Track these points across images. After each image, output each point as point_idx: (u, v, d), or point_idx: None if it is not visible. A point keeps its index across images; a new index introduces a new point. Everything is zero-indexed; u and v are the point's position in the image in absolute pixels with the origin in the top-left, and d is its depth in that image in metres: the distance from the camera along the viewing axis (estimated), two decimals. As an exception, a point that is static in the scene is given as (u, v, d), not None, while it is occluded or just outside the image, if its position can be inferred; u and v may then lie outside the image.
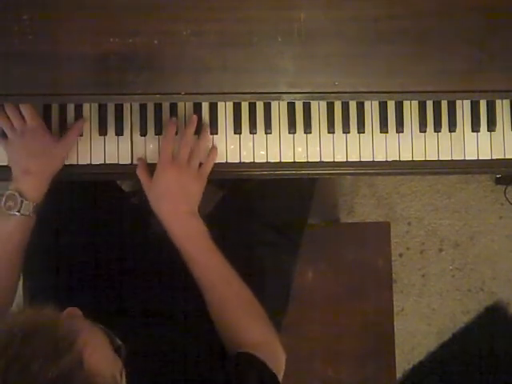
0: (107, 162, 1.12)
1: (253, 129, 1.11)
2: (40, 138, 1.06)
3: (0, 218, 1.04)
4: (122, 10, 0.96)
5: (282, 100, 1.05)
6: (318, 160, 1.12)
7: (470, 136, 1.12)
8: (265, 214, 1.24)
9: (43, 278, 1.16)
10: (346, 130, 1.12)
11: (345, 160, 1.12)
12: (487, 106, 1.12)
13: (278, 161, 1.12)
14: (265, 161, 1.12)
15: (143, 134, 1.12)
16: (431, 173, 1.16)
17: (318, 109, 1.12)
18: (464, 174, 1.18)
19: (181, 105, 1.12)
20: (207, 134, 1.11)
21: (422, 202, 1.94)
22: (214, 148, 1.10)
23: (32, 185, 1.04)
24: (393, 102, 1.12)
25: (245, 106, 1.12)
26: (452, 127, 1.12)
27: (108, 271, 1.15)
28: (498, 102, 1.12)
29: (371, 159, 1.12)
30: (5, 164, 1.09)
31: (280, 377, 0.99)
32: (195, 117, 1.09)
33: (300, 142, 1.12)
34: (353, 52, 0.98)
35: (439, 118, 1.12)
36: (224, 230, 1.17)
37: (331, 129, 1.12)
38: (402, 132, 1.12)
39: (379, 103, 1.12)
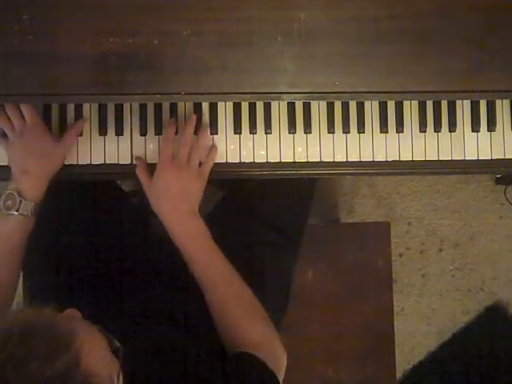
0: (107, 162, 1.12)
1: (253, 129, 1.11)
2: (40, 138, 1.06)
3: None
4: (122, 10, 0.96)
5: (282, 100, 1.05)
6: (318, 160, 1.12)
7: (470, 136, 1.12)
8: (265, 214, 1.24)
9: (43, 278, 1.16)
10: (346, 129, 1.12)
11: (345, 160, 1.12)
12: (487, 106, 1.12)
13: (278, 161, 1.12)
14: (265, 161, 1.12)
15: (143, 133, 1.12)
16: (431, 173, 1.16)
17: (318, 109, 1.12)
18: (464, 173, 1.18)
19: (181, 105, 1.12)
20: (206, 133, 1.11)
21: (422, 202, 1.94)
22: (213, 147, 1.10)
23: (31, 184, 1.04)
24: (393, 102, 1.12)
25: (245, 106, 1.12)
26: (452, 127, 1.12)
27: (108, 271, 1.15)
28: (498, 102, 1.12)
29: (371, 159, 1.12)
30: (5, 164, 1.09)
31: (280, 377, 0.98)
32: (194, 116, 1.09)
33: (300, 141, 1.12)
34: (353, 52, 0.98)
35: (439, 118, 1.12)
36: (224, 230, 1.17)
37: (331, 129, 1.12)
38: (402, 132, 1.12)
39: (379, 103, 1.12)
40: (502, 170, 1.15)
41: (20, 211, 1.02)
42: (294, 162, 1.12)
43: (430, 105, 1.12)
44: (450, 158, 1.12)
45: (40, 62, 0.97)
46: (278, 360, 0.99)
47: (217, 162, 1.11)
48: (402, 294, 1.92)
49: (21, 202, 1.02)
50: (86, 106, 1.11)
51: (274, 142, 1.12)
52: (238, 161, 1.12)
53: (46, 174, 1.06)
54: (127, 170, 1.12)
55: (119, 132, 1.12)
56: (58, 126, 1.11)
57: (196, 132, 1.10)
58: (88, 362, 0.67)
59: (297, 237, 1.28)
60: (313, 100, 1.09)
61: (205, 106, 1.12)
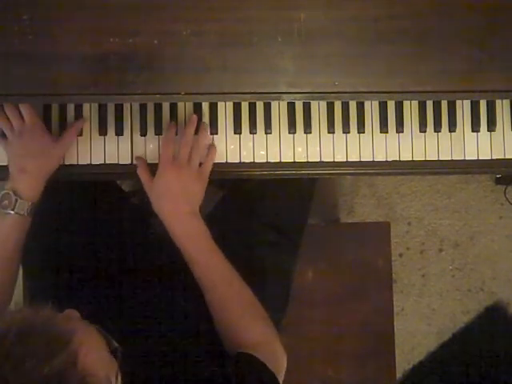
0: (107, 162, 1.12)
1: (253, 129, 1.11)
2: (38, 138, 1.06)
3: None
4: (122, 10, 0.96)
5: (282, 100, 1.05)
6: (318, 160, 1.12)
7: (470, 136, 1.12)
8: (265, 214, 1.24)
9: (43, 278, 1.16)
10: (346, 129, 1.12)
11: (345, 160, 1.12)
12: (487, 106, 1.12)
13: (278, 161, 1.12)
14: (265, 161, 1.12)
15: (143, 134, 1.12)
16: (431, 173, 1.16)
17: (318, 109, 1.12)
18: (464, 173, 1.18)
19: (181, 105, 1.12)
20: (207, 133, 1.11)
21: (422, 202, 1.94)
22: (212, 147, 1.10)
23: (28, 184, 1.04)
24: (393, 102, 1.12)
25: (245, 106, 1.12)
26: (452, 127, 1.12)
27: (108, 271, 1.15)
28: (498, 102, 1.12)
29: (371, 159, 1.12)
30: (5, 164, 1.09)
31: (280, 377, 0.98)
32: (195, 116, 1.09)
33: (300, 141, 1.12)
34: (353, 52, 0.98)
35: (439, 118, 1.12)
36: (224, 230, 1.17)
37: (331, 129, 1.12)
38: (402, 132, 1.12)
39: (379, 103, 1.12)
40: (502, 170, 1.15)
41: (16, 210, 1.03)
42: (294, 162, 1.12)
43: (430, 105, 1.12)
44: (449, 158, 1.12)
45: (40, 62, 0.97)
46: (278, 360, 0.99)
47: (217, 161, 1.11)
48: (402, 294, 1.92)
49: (16, 200, 1.02)
50: (86, 106, 1.11)
51: (273, 142, 1.12)
52: (238, 161, 1.12)
53: (44, 173, 1.06)
54: (127, 170, 1.12)
55: (119, 132, 1.11)
56: (58, 126, 1.11)
57: (196, 132, 1.10)
58: (85, 362, 0.67)
59: (297, 237, 1.28)
60: (313, 100, 1.09)
61: (205, 106, 1.12)
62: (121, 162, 1.12)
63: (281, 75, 0.98)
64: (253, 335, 1.01)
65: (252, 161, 1.12)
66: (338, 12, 0.97)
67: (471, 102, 1.12)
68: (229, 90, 0.99)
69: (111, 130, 1.11)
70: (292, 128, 1.11)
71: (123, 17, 0.97)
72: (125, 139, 1.12)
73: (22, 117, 1.06)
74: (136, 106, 1.11)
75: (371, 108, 1.12)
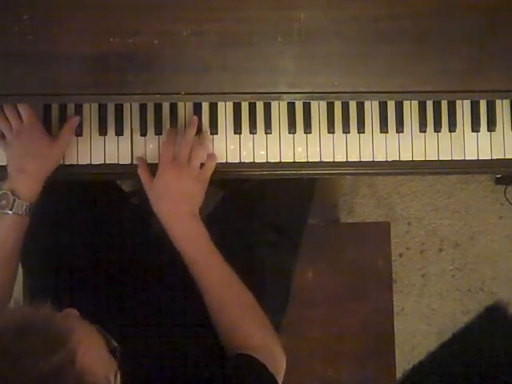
0: (107, 162, 1.12)
1: (253, 129, 1.11)
2: (37, 139, 1.06)
3: None
4: (122, 10, 0.96)
5: (282, 100, 1.05)
6: (318, 160, 1.12)
7: (470, 136, 1.12)
8: (265, 214, 1.24)
9: (43, 278, 1.16)
10: (346, 129, 1.12)
11: (345, 160, 1.12)
12: (487, 106, 1.12)
13: (278, 161, 1.12)
14: (265, 161, 1.12)
15: (143, 133, 1.12)
16: (431, 173, 1.16)
17: (318, 109, 1.12)
18: (464, 173, 1.18)
19: (181, 105, 1.12)
20: (207, 135, 1.11)
21: (422, 202, 1.94)
22: (212, 154, 1.10)
23: (26, 184, 1.04)
24: (393, 102, 1.12)
25: (245, 106, 1.12)
26: (452, 127, 1.12)
27: (108, 271, 1.15)
28: (498, 102, 1.12)
29: (371, 159, 1.12)
30: (3, 164, 1.09)
31: (280, 379, 0.98)
32: (196, 118, 1.09)
33: (300, 141, 1.12)
34: (353, 52, 0.98)
35: (439, 118, 1.12)
36: (224, 230, 1.17)
37: (331, 129, 1.12)
38: (402, 132, 1.12)
39: (379, 103, 1.12)
40: (502, 170, 1.15)
41: (14, 210, 1.02)
42: (294, 162, 1.12)
43: (430, 105, 1.12)
44: (449, 158, 1.12)
45: (40, 62, 0.97)
46: (277, 362, 0.99)
47: (217, 161, 1.11)
48: (402, 294, 1.92)
49: (14, 201, 1.02)
50: (86, 106, 1.11)
51: (274, 142, 1.12)
52: (238, 161, 1.12)
53: (42, 174, 1.06)
54: (127, 170, 1.12)
55: (119, 132, 1.11)
56: (58, 126, 1.11)
57: (196, 133, 1.10)
58: (84, 361, 0.67)
59: (297, 237, 1.28)
60: (313, 100, 1.09)
61: (205, 106, 1.12)
62: (121, 162, 1.12)
63: (281, 75, 0.98)
64: (252, 337, 1.01)
65: (252, 161, 1.12)
66: (338, 12, 0.97)
67: (471, 102, 1.12)
68: (229, 90, 0.99)
69: (111, 130, 1.11)
70: (292, 128, 1.11)
71: (123, 17, 0.97)
72: (125, 139, 1.12)
73: (20, 117, 1.06)
74: (136, 106, 1.11)
75: (371, 108, 1.12)
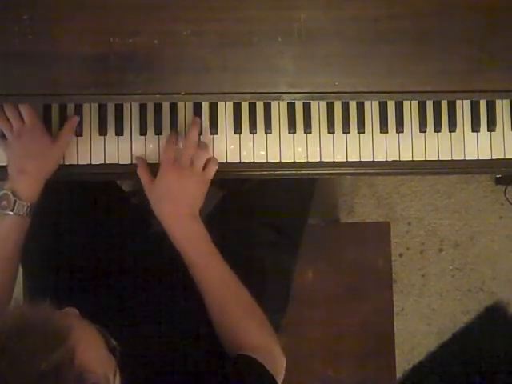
0: (107, 162, 1.12)
1: (253, 129, 1.11)
2: (37, 139, 1.06)
3: None
4: (122, 10, 0.96)
5: (282, 100, 1.05)
6: (318, 160, 1.12)
7: (470, 136, 1.12)
8: (265, 214, 1.24)
9: (43, 278, 1.16)
10: (346, 129, 1.12)
11: (345, 160, 1.12)
12: (487, 106, 1.12)
13: (278, 161, 1.12)
14: (265, 161, 1.12)
15: (143, 133, 1.12)
16: (431, 173, 1.16)
17: (318, 109, 1.12)
18: (464, 173, 1.18)
19: (181, 105, 1.12)
20: (207, 135, 1.11)
21: (422, 202, 1.94)
22: (214, 158, 1.10)
23: (27, 185, 1.04)
24: (393, 102, 1.12)
25: (245, 106, 1.12)
26: (452, 127, 1.12)
27: (108, 271, 1.15)
28: (498, 102, 1.12)
29: (371, 159, 1.12)
30: (5, 164, 1.09)
31: (279, 379, 0.98)
32: (198, 119, 1.09)
33: (300, 141, 1.12)
34: (353, 52, 0.98)
35: (439, 118, 1.12)
36: (224, 230, 1.17)
37: (331, 129, 1.12)
38: (402, 132, 1.12)
39: (379, 103, 1.12)
40: (502, 170, 1.15)
41: (15, 211, 1.02)
42: (294, 162, 1.12)
43: (430, 105, 1.12)
44: (449, 158, 1.12)
45: (40, 62, 0.97)
46: (276, 362, 0.99)
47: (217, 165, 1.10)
48: (402, 294, 1.92)
49: (15, 201, 1.02)
50: (86, 106, 1.11)
51: (274, 142, 1.12)
52: (237, 161, 1.12)
53: (43, 174, 1.06)
54: (127, 170, 1.12)
55: (119, 132, 1.11)
56: (58, 126, 1.11)
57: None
58: (83, 359, 0.67)
59: (297, 237, 1.28)
60: (313, 100, 1.09)
61: (205, 106, 1.12)
62: (121, 162, 1.12)
63: (281, 75, 0.98)
64: (252, 338, 1.01)
65: (252, 161, 1.12)
66: (338, 12, 0.97)
67: (471, 102, 1.12)
68: (229, 90, 0.99)
69: (111, 130, 1.11)
70: (292, 128, 1.11)
71: (123, 17, 0.97)
72: (125, 139, 1.12)
73: (21, 117, 1.06)
74: (136, 106, 1.11)
75: (371, 108, 1.12)
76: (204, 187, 1.07)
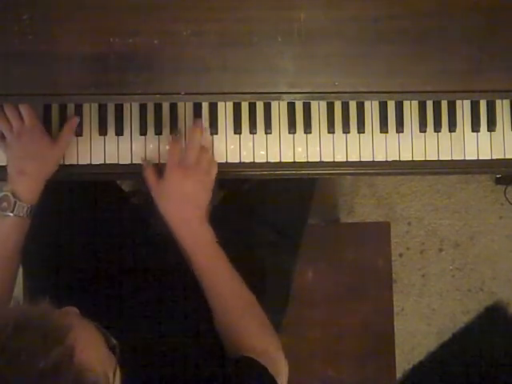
0: (107, 162, 1.12)
1: (253, 129, 1.11)
2: (37, 140, 1.05)
3: None
4: (122, 10, 0.96)
5: (282, 100, 1.05)
6: (318, 160, 1.12)
7: (470, 136, 1.12)
8: (265, 214, 1.24)
9: (43, 278, 1.16)
10: (346, 129, 1.12)
11: (345, 160, 1.12)
12: (487, 106, 1.12)
13: (278, 161, 1.12)
14: (265, 161, 1.12)
15: (143, 133, 1.12)
16: (431, 173, 1.16)
17: (318, 109, 1.12)
18: (464, 173, 1.18)
19: (181, 105, 1.12)
20: (208, 136, 1.11)
21: (422, 202, 1.94)
22: (213, 160, 1.10)
23: (27, 186, 1.04)
24: (393, 102, 1.12)
25: (245, 106, 1.12)
26: (452, 127, 1.12)
27: (108, 271, 1.15)
28: (498, 102, 1.12)
29: (371, 159, 1.12)
30: (4, 164, 1.09)
31: (281, 382, 0.98)
32: (200, 120, 1.09)
33: (300, 141, 1.12)
34: (353, 52, 0.98)
35: (439, 118, 1.12)
36: (224, 230, 1.17)
37: (331, 129, 1.12)
38: (402, 132, 1.12)
39: (379, 103, 1.12)
40: (502, 170, 1.15)
41: (15, 213, 1.02)
42: (294, 162, 1.12)
43: (430, 105, 1.12)
44: (449, 158, 1.12)
45: (40, 61, 0.97)
46: (277, 364, 0.99)
47: (217, 162, 1.11)
48: (402, 294, 1.92)
49: (15, 203, 1.02)
50: (86, 106, 1.11)
51: (274, 142, 1.12)
52: (237, 161, 1.12)
53: (43, 175, 1.06)
54: (127, 170, 1.12)
55: (119, 132, 1.11)
56: (58, 127, 1.11)
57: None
58: (82, 357, 0.67)
59: (297, 237, 1.28)
60: (313, 100, 1.09)
61: (205, 106, 1.12)
62: (121, 162, 1.12)
63: (281, 75, 0.98)
64: (254, 342, 1.00)
65: (252, 161, 1.12)
66: (337, 12, 0.97)
67: (471, 102, 1.12)
68: (229, 90, 0.99)
69: (111, 130, 1.11)
70: (292, 128, 1.11)
71: (123, 17, 0.97)
72: (125, 139, 1.12)
73: (21, 118, 1.06)
74: (136, 106, 1.11)
75: (371, 108, 1.12)
76: (210, 188, 1.07)
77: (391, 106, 1.12)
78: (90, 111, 1.12)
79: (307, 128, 1.11)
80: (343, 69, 0.98)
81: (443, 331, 1.94)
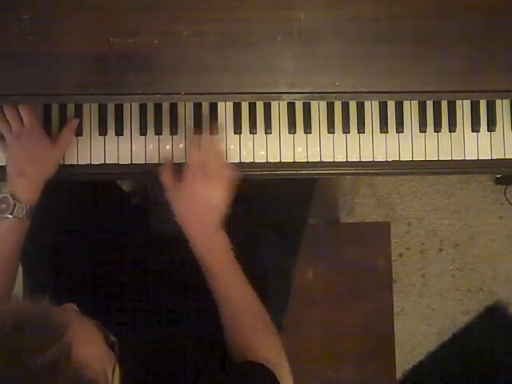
0: (107, 162, 1.11)
1: (253, 129, 1.11)
2: (37, 141, 1.05)
3: None
4: (122, 10, 0.96)
5: (282, 100, 1.05)
6: (318, 160, 1.12)
7: (470, 136, 1.12)
8: (265, 214, 1.24)
9: (43, 278, 1.16)
10: (346, 129, 1.12)
11: (345, 160, 1.12)
12: (487, 106, 1.12)
13: (278, 161, 1.12)
14: (265, 161, 1.12)
15: (143, 133, 1.12)
16: (431, 173, 1.16)
17: (318, 109, 1.12)
18: (464, 173, 1.18)
19: (181, 105, 1.12)
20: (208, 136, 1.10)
21: (422, 202, 1.94)
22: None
23: (26, 187, 1.03)
24: (393, 102, 1.12)
25: (245, 106, 1.12)
26: (452, 127, 1.12)
27: (108, 271, 1.15)
28: (498, 102, 1.12)
29: (371, 159, 1.12)
30: (4, 164, 1.09)
31: None
32: (217, 123, 1.08)
33: (300, 141, 1.12)
34: (353, 52, 0.98)
35: (439, 118, 1.12)
36: (224, 229, 1.17)
37: (331, 129, 1.12)
38: (402, 132, 1.12)
39: (379, 103, 1.12)
40: (502, 170, 1.15)
41: (14, 214, 1.02)
42: (294, 162, 1.12)
43: (430, 105, 1.12)
44: (449, 158, 1.12)
45: (40, 62, 0.97)
46: (281, 373, 0.98)
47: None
48: (402, 294, 1.92)
49: (15, 205, 1.02)
50: (86, 106, 1.11)
51: (274, 142, 1.12)
52: (237, 161, 1.12)
53: (43, 176, 1.06)
54: (127, 170, 1.12)
55: (119, 132, 1.11)
56: (58, 127, 1.11)
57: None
58: (80, 354, 0.67)
59: (297, 237, 1.28)
60: (313, 100, 1.09)
61: (205, 106, 1.12)
62: (121, 162, 1.12)
63: (281, 75, 0.98)
64: (260, 350, 0.99)
65: (252, 161, 1.12)
66: (338, 12, 0.97)
67: (471, 102, 1.12)
68: (229, 90, 0.99)
69: (111, 130, 1.11)
70: (292, 128, 1.11)
71: (123, 17, 0.97)
72: (125, 139, 1.12)
73: (21, 119, 1.06)
74: (136, 106, 1.11)
75: (371, 108, 1.12)
76: (228, 194, 1.05)
77: (391, 106, 1.12)
78: (90, 111, 1.11)
79: (307, 128, 1.11)
80: (343, 69, 0.98)
81: (443, 331, 1.94)
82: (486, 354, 1.92)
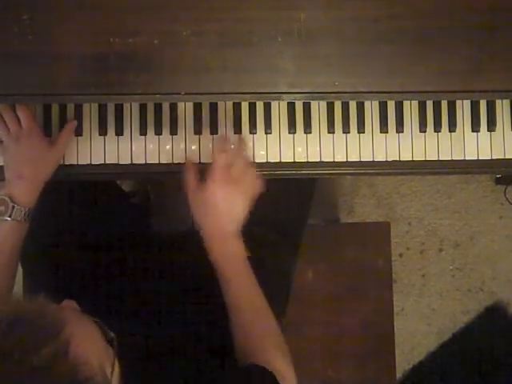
0: (107, 162, 1.12)
1: (253, 129, 1.11)
2: (35, 143, 1.05)
3: None
4: (122, 10, 0.96)
5: (282, 100, 1.05)
6: (318, 160, 1.12)
7: (470, 136, 1.12)
8: (265, 214, 1.24)
9: (43, 278, 1.16)
10: (346, 129, 1.12)
11: (345, 160, 1.12)
12: (487, 106, 1.12)
13: (278, 161, 1.12)
14: (265, 161, 1.12)
15: (143, 133, 1.12)
16: (431, 173, 1.16)
17: (318, 109, 1.12)
18: (464, 173, 1.18)
19: (181, 105, 1.12)
20: (208, 136, 1.10)
21: (422, 202, 1.94)
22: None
23: (24, 189, 1.03)
24: (393, 102, 1.12)
25: (245, 106, 1.12)
26: (452, 127, 1.12)
27: (108, 271, 1.15)
28: (498, 102, 1.12)
29: (371, 159, 1.12)
30: (2, 164, 1.09)
31: None
32: (243, 137, 1.07)
33: (300, 141, 1.12)
34: (353, 52, 0.98)
35: (439, 118, 1.12)
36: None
37: (331, 129, 1.12)
38: (402, 132, 1.12)
39: (379, 103, 1.12)
40: (502, 170, 1.15)
41: (13, 217, 1.01)
42: (294, 162, 1.12)
43: (430, 105, 1.12)
44: (449, 158, 1.12)
45: (40, 61, 0.97)
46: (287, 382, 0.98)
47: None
48: (402, 294, 1.92)
49: (13, 207, 1.01)
50: (86, 106, 1.11)
51: (274, 142, 1.12)
52: (237, 161, 1.12)
53: (41, 178, 1.05)
54: (127, 170, 1.12)
55: (119, 132, 1.11)
56: (58, 127, 1.11)
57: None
58: (77, 351, 0.66)
59: (297, 237, 1.28)
60: (313, 100, 1.09)
61: (205, 106, 1.12)
62: (121, 162, 1.12)
63: (281, 75, 0.98)
64: (268, 358, 0.97)
65: (252, 161, 1.12)
66: (337, 12, 0.97)
67: (471, 102, 1.12)
68: (229, 90, 0.99)
69: (111, 130, 1.11)
70: (292, 128, 1.11)
71: (123, 17, 0.97)
72: (125, 139, 1.12)
73: (19, 121, 1.05)
74: (136, 106, 1.11)
75: (371, 108, 1.12)
76: (250, 203, 1.04)
77: (391, 106, 1.12)
78: (90, 111, 1.12)
79: (307, 128, 1.11)
80: (343, 69, 0.98)
81: (443, 331, 1.94)
82: (486, 354, 1.92)
